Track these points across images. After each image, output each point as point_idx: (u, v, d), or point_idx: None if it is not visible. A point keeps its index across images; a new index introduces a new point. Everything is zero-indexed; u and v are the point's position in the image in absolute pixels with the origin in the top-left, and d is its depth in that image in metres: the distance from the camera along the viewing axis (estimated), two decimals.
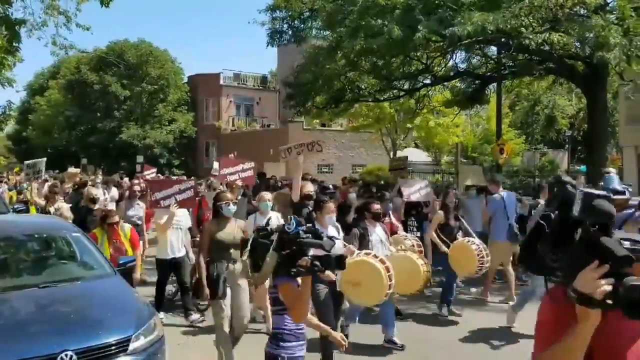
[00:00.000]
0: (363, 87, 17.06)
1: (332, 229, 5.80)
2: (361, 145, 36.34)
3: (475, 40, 11.46)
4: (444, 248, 7.89)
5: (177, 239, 7.61)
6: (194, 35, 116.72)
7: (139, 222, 9.26)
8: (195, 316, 7.56)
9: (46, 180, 14.17)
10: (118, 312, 4.73)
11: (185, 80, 43.34)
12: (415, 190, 9.53)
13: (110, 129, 38.81)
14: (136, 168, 34.93)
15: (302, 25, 16.94)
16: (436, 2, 11.23)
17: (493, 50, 17.01)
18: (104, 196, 13.58)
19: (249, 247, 3.89)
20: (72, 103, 40.66)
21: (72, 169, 20.26)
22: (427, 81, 18.28)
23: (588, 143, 16.98)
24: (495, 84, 18.17)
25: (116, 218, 7.02)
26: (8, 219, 7.42)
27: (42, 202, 9.96)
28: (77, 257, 5.74)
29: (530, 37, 10.08)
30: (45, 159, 10.92)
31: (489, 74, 17.93)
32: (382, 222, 7.17)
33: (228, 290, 5.59)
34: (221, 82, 41.63)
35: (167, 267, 7.66)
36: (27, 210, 10.69)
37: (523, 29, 10.28)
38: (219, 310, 5.53)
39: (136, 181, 15.44)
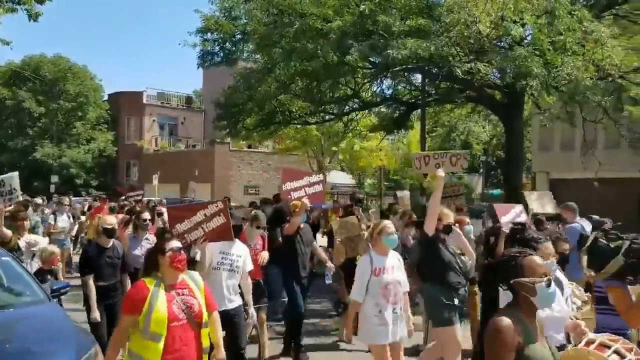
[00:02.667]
0: (294, 110, 17.22)
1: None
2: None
3: (406, 68, 11.95)
4: None
5: (231, 282, 5.40)
6: (115, 52, 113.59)
7: None
8: None
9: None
10: (57, 341, 4.44)
11: (106, 97, 41.96)
12: (513, 218, 7.68)
13: (23, 147, 36.82)
14: (50, 188, 33.26)
15: (234, 48, 16.91)
16: (370, 28, 11.59)
17: (417, 78, 17.73)
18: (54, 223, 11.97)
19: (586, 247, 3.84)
20: None
21: None
22: (356, 106, 18.73)
23: (505, 168, 17.93)
24: (419, 110, 18.90)
25: (176, 244, 3.99)
26: None
27: (8, 232, 7.11)
28: (6, 282, 5.37)
29: (458, 65, 10.63)
30: (17, 173, 8.31)
31: (413, 100, 18.64)
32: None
33: None
34: (144, 100, 40.66)
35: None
36: None
37: (451, 58, 10.82)
38: None
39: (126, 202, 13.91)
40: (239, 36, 16.58)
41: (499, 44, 11.96)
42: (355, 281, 5.05)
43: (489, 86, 14.81)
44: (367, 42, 11.52)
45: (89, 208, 16.54)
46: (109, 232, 6.05)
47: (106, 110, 40.53)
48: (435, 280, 5.56)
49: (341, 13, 12.48)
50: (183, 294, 3.86)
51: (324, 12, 12.60)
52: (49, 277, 6.50)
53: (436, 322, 5.55)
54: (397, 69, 11.88)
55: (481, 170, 43.18)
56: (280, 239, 7.14)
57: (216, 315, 4.20)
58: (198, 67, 18.19)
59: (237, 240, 5.63)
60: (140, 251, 6.81)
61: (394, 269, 5.05)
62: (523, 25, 11.27)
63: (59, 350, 4.31)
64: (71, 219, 13.28)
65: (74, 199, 20.30)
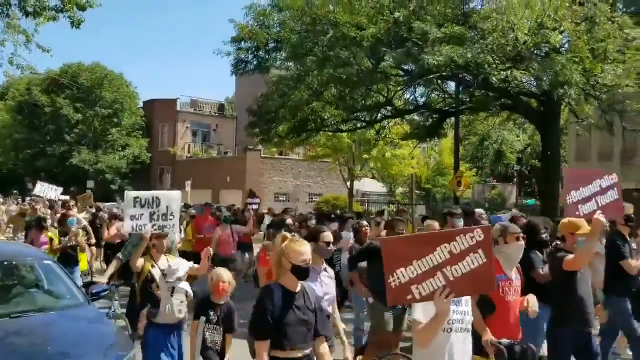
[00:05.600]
0: (326, 117, 17.24)
1: None
2: (318, 175, 36.55)
3: (440, 75, 11.85)
4: None
5: (466, 348, 3.60)
6: (150, 60, 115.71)
7: None
8: None
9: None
10: (96, 344, 4.48)
11: (141, 105, 42.73)
12: None
13: (60, 153, 37.71)
14: (86, 193, 33.88)
15: (267, 56, 17.03)
16: (404, 36, 11.54)
17: (451, 85, 17.56)
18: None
19: None
20: (20, 125, 39.35)
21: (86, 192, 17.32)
22: (388, 113, 18.64)
23: (543, 177, 17.59)
24: (452, 118, 18.69)
25: None
26: None
27: (139, 262, 5.44)
28: (47, 285, 5.45)
29: (494, 73, 10.48)
30: (179, 193, 6.32)
31: (446, 108, 18.45)
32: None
33: None
34: (178, 107, 41.28)
35: None
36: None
37: (487, 65, 10.69)
38: None
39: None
40: (272, 44, 16.70)
41: (535, 51, 11.78)
42: None
43: (524, 94, 14.57)
44: (402, 49, 11.47)
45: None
46: (303, 272, 3.58)
47: (141, 117, 41.28)
48: None
49: (375, 20, 12.47)
50: None
51: (358, 20, 12.60)
52: (212, 314, 4.82)
53: None
54: (431, 76, 11.79)
55: (515, 180, 42.51)
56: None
57: None
58: (231, 75, 18.41)
59: None
60: (320, 289, 4.47)
61: None
62: (561, 32, 11.09)
63: (97, 353, 4.33)
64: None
65: (107, 204, 20.30)
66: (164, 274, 5.21)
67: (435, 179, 36.68)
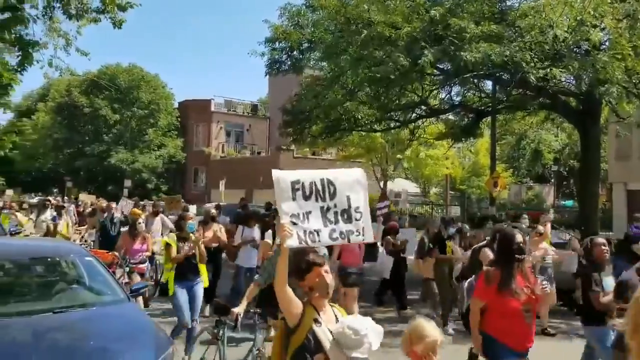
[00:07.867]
0: (359, 117, 17.15)
1: None
2: None
3: (476, 74, 11.67)
4: None
5: None
6: (184, 62, 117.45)
7: None
8: None
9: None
10: (137, 340, 4.56)
11: (176, 105, 43.41)
12: None
13: (99, 153, 38.60)
14: (123, 192, 34.63)
15: (301, 56, 17.04)
16: (440, 34, 11.39)
17: (487, 84, 17.29)
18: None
19: None
20: (60, 126, 40.44)
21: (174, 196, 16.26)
22: (423, 113, 18.45)
23: (580, 178, 17.19)
24: (488, 118, 18.41)
25: None
26: (13, 242, 7.17)
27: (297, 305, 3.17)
28: (88, 282, 5.57)
29: (533, 71, 10.26)
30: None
31: (482, 107, 18.17)
32: None
33: None
34: (212, 108, 41.79)
35: None
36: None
37: (524, 64, 10.47)
38: None
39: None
40: (306, 45, 16.70)
41: (575, 49, 11.49)
42: None
43: (563, 93, 14.25)
44: (439, 46, 11.32)
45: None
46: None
47: (176, 118, 41.95)
48: None
49: (410, 19, 12.33)
50: None
51: (392, 19, 12.49)
52: None
53: None
54: (467, 75, 11.61)
55: (552, 180, 41.65)
56: None
57: None
58: (266, 75, 18.48)
59: None
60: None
61: None
62: (602, 29, 10.80)
63: (137, 349, 4.41)
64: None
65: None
66: (335, 339, 3.02)
67: (470, 180, 36.22)
